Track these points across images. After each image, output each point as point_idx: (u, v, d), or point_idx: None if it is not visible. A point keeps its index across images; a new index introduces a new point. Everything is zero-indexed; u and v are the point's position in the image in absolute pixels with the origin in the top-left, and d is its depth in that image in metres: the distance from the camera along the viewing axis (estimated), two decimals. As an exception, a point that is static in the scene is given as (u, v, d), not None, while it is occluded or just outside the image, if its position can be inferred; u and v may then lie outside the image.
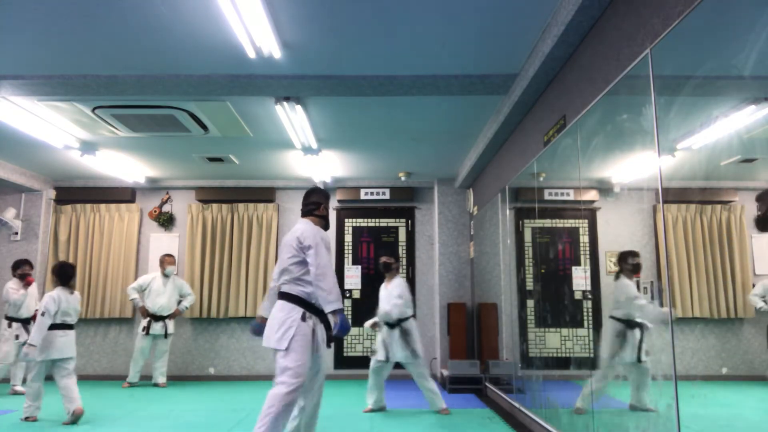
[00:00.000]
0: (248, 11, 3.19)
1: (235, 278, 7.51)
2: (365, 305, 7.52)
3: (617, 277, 3.22)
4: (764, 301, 2.75)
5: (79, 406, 4.76)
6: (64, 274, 4.93)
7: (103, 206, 7.71)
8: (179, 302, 7.01)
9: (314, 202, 3.63)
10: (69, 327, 4.88)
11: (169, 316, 6.84)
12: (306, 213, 3.64)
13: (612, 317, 3.32)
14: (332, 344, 3.60)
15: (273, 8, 3.29)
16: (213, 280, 7.47)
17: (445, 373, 6.61)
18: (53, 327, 4.77)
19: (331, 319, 3.38)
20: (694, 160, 2.54)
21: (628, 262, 3.09)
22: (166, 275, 6.91)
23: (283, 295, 3.42)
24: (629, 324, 3.14)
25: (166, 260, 6.97)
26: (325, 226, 3.66)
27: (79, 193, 7.73)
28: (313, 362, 3.39)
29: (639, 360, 3.04)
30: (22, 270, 6.24)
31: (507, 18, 3.44)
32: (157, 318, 6.75)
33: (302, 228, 3.48)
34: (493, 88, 4.43)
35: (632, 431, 2.94)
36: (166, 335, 6.79)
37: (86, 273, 7.55)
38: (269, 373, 7.56)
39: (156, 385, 6.78)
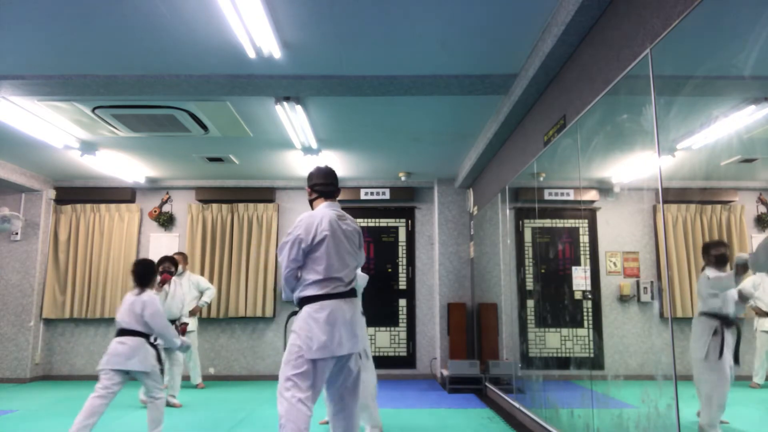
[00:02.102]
0: (248, 11, 3.20)
1: (235, 278, 7.51)
2: (365, 306, 7.50)
3: (702, 270, 2.88)
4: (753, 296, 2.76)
5: None
6: (137, 272, 4.13)
7: (103, 206, 7.71)
8: (199, 299, 6.85)
9: (336, 186, 3.26)
10: (128, 333, 3.98)
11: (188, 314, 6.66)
12: (330, 195, 3.20)
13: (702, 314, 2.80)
14: None
15: (273, 8, 3.29)
16: (213, 280, 7.46)
17: (445, 373, 6.61)
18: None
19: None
20: (694, 160, 2.54)
21: (710, 254, 2.78)
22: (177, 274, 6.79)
23: (355, 294, 3.12)
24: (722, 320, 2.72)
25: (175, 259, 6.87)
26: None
27: (79, 193, 7.73)
28: None
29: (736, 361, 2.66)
30: (162, 267, 5.58)
31: (507, 18, 3.44)
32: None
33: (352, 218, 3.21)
34: (493, 88, 4.43)
35: (632, 431, 2.94)
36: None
37: (86, 273, 7.55)
38: (269, 373, 7.58)
39: (195, 386, 6.68)
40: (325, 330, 2.84)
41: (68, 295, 7.49)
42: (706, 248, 2.80)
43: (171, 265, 5.64)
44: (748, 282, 2.77)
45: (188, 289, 6.79)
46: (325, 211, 3.09)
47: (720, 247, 2.74)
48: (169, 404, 5.31)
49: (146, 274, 4.10)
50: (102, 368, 4.03)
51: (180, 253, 6.98)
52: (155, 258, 7.54)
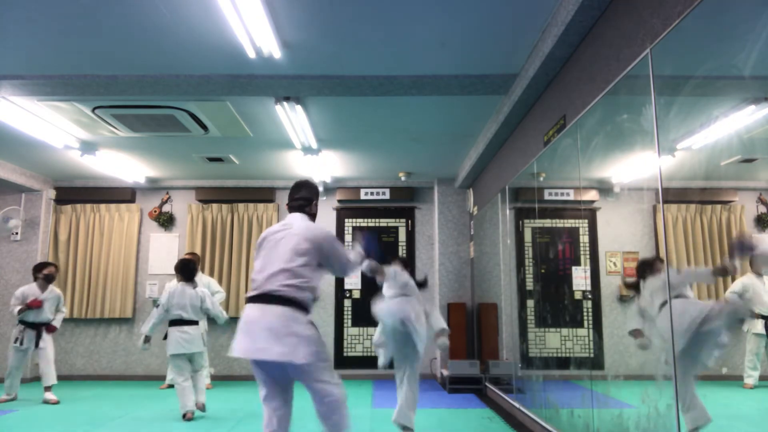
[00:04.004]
0: (248, 11, 3.20)
1: (235, 278, 7.51)
2: (365, 305, 7.51)
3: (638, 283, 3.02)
4: (742, 299, 2.77)
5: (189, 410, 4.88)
6: (184, 270, 5.14)
7: (103, 206, 7.71)
8: None
9: (305, 198, 3.19)
10: (187, 323, 4.96)
11: None
12: (297, 208, 3.19)
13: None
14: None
15: (273, 8, 3.29)
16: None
17: (445, 373, 6.61)
18: (171, 323, 4.95)
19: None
20: (694, 160, 2.54)
21: (654, 267, 2.90)
22: None
23: (288, 301, 2.89)
24: None
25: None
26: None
27: (79, 193, 7.73)
28: None
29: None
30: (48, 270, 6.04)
31: (507, 18, 3.44)
32: None
33: (315, 228, 3.09)
34: (493, 88, 4.43)
35: (632, 431, 2.94)
36: None
37: (86, 273, 7.55)
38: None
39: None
40: (237, 331, 2.93)
41: (68, 295, 7.48)
42: (651, 264, 2.91)
43: (55, 269, 6.01)
44: (737, 285, 2.78)
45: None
46: (282, 222, 3.20)
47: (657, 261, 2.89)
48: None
49: (194, 270, 5.22)
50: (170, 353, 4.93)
51: (192, 254, 6.98)
52: (155, 258, 7.63)
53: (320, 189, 7.67)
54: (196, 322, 5.04)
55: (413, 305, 4.23)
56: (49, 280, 5.88)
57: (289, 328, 2.84)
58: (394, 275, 4.34)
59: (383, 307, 4.29)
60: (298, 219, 3.14)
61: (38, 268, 5.97)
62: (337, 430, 2.90)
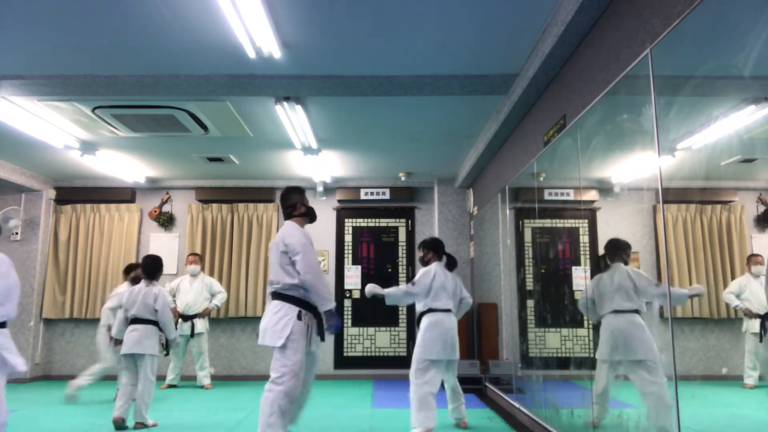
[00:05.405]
0: (248, 11, 3.20)
1: (235, 278, 7.51)
2: (365, 305, 7.52)
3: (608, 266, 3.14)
4: (740, 299, 2.78)
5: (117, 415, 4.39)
6: (145, 268, 4.74)
7: (103, 206, 7.71)
8: (211, 301, 6.93)
9: (290, 205, 3.72)
10: (140, 322, 4.56)
11: (198, 315, 6.73)
12: (287, 216, 3.73)
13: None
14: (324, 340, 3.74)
15: (273, 8, 3.29)
16: (213, 280, 7.47)
17: (445, 373, 6.60)
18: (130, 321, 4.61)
19: (325, 318, 3.57)
20: (694, 160, 2.54)
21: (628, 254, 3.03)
22: (192, 274, 6.89)
23: (278, 296, 3.53)
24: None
25: (188, 259, 6.98)
26: (310, 220, 3.78)
27: (79, 193, 7.73)
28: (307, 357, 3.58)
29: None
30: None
31: (507, 18, 3.44)
32: (185, 318, 6.67)
33: (285, 231, 3.58)
34: (493, 88, 4.43)
35: (632, 431, 2.94)
36: (192, 335, 6.66)
37: (86, 273, 7.55)
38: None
39: (202, 387, 6.72)
40: None
41: (68, 295, 7.48)
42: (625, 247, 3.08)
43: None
44: (734, 285, 2.78)
45: (200, 290, 6.82)
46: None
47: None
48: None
49: (156, 268, 4.77)
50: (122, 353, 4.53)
51: (195, 254, 7.02)
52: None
53: (321, 190, 7.66)
54: (151, 322, 4.61)
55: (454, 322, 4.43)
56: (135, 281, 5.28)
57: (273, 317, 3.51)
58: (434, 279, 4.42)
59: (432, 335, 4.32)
60: (284, 226, 3.67)
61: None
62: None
